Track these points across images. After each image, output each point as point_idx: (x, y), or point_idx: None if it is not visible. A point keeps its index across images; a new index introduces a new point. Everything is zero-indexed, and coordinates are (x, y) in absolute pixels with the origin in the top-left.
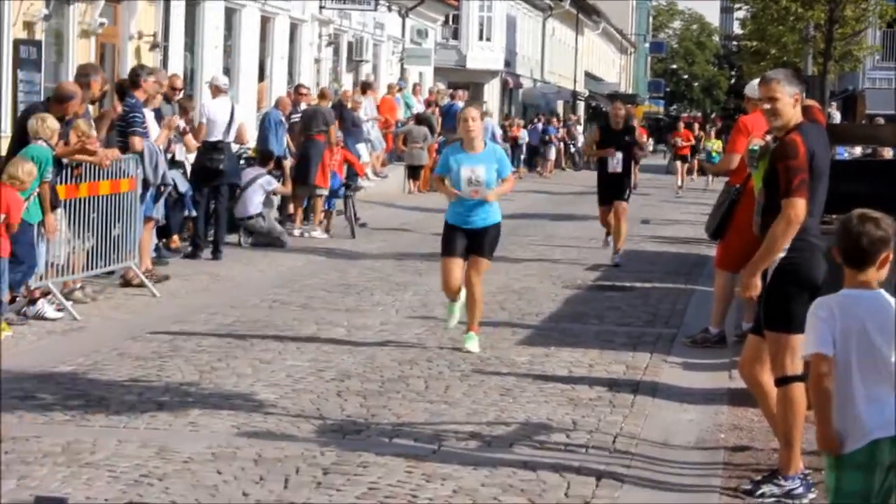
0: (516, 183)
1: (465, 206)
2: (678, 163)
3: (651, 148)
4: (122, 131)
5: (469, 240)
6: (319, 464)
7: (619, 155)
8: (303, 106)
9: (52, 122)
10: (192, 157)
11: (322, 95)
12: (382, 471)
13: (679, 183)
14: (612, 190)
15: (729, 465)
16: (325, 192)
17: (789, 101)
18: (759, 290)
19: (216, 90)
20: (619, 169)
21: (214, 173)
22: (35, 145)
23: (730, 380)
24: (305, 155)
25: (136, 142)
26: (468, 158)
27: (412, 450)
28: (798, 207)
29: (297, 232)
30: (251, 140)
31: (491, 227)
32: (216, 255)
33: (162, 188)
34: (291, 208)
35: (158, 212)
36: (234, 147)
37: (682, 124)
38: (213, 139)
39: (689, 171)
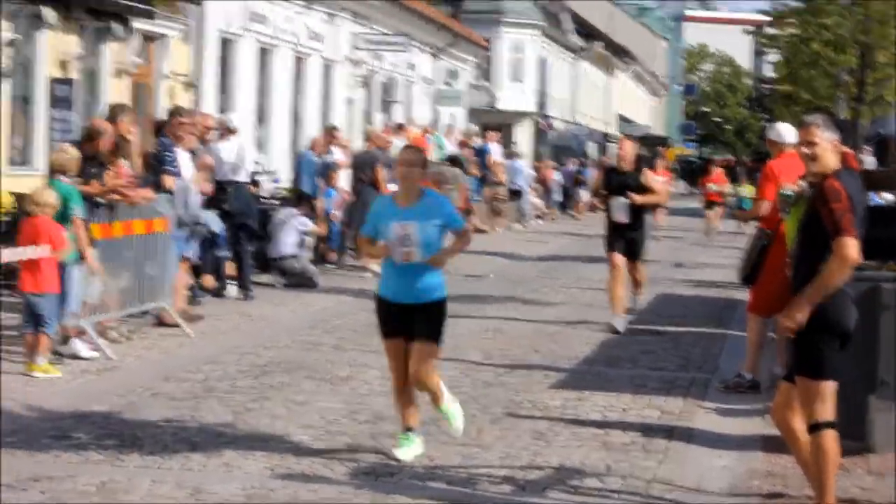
0: (470, 241)
1: (397, 274)
2: (709, 211)
3: (683, 191)
4: (155, 171)
5: (406, 319)
6: None
7: (624, 201)
8: (334, 147)
9: (72, 151)
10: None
11: (370, 139)
12: None
13: (708, 231)
14: (624, 243)
15: None
16: None
17: (828, 146)
18: (802, 324)
19: (226, 131)
20: (625, 219)
21: (222, 214)
22: (56, 180)
23: (764, 426)
24: (361, 199)
25: (167, 181)
26: (399, 213)
27: (445, 493)
28: (852, 247)
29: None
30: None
31: (433, 305)
32: (245, 294)
33: (195, 228)
34: (324, 248)
35: (193, 252)
36: (271, 187)
37: (715, 168)
38: (220, 179)
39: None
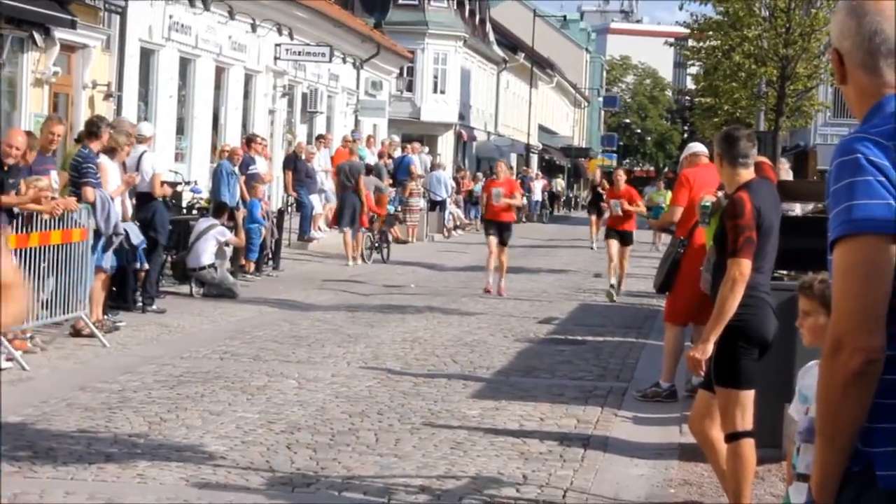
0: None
1: None
2: (611, 241)
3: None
4: (75, 182)
5: None
6: None
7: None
8: (256, 157)
9: None
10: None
11: (350, 152)
12: None
13: (613, 282)
14: None
15: None
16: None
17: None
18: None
19: (139, 138)
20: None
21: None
22: None
23: (680, 435)
24: (346, 204)
25: (88, 192)
26: None
27: (362, 503)
28: (742, 266)
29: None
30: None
31: None
32: (144, 307)
33: (113, 238)
34: (243, 259)
35: (108, 262)
36: (188, 197)
37: (621, 176)
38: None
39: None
